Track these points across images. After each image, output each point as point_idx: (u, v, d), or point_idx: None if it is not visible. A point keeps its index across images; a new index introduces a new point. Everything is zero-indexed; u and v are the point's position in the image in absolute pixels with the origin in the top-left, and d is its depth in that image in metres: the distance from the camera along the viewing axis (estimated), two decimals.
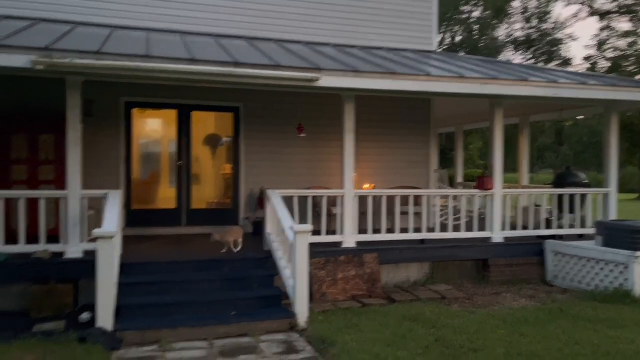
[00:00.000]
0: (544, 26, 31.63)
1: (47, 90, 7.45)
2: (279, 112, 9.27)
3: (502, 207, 8.39)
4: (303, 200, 7.76)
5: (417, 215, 8.54)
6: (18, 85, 7.67)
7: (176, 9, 8.99)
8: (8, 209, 6.64)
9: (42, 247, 6.36)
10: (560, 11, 60.01)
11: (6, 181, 7.60)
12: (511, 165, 25.82)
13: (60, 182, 7.46)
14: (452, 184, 13.78)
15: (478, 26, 29.83)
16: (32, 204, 6.73)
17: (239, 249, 7.06)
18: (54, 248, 6.40)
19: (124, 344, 5.18)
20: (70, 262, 6.33)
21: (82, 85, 6.42)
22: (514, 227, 8.70)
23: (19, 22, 7.76)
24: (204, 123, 9.49)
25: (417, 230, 8.09)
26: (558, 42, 31.45)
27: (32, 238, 6.40)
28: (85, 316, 5.77)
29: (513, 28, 32.35)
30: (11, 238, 6.38)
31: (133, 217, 8.68)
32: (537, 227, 8.73)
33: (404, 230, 7.93)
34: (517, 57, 31.73)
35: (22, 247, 6.34)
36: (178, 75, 6.39)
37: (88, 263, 5.92)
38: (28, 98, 7.97)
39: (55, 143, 7.77)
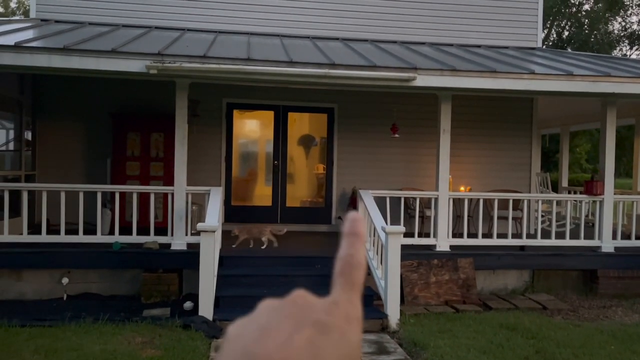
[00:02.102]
0: None
1: (158, 92, 8.05)
2: (373, 113, 9.26)
3: (614, 214, 7.76)
4: (395, 201, 7.69)
5: (517, 220, 8.14)
6: (132, 88, 8.34)
7: (275, 13, 9.30)
8: (122, 203, 7.25)
9: (151, 239, 6.87)
10: None
11: (122, 176, 8.31)
12: (624, 170, 23.78)
13: (168, 178, 8.01)
14: (555, 188, 12.97)
15: (588, 20, 27.78)
16: (143, 198, 7.30)
17: (264, 246, 7.10)
18: (162, 239, 6.89)
19: (222, 332, 5.45)
20: (176, 253, 6.78)
21: (189, 87, 6.85)
22: (627, 237, 8.01)
23: (134, 30, 8.44)
24: (299, 123, 9.72)
25: (516, 236, 7.72)
26: None
27: (143, 230, 6.93)
28: (188, 304, 6.15)
29: (629, 21, 29.75)
30: (125, 229, 6.96)
31: (232, 212, 9.10)
32: None
33: (502, 235, 7.60)
34: (633, 53, 29.14)
35: (134, 238, 6.88)
36: (276, 77, 6.61)
37: (191, 254, 6.31)
38: (141, 99, 8.64)
39: (165, 141, 8.36)
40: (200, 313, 5.60)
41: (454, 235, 7.53)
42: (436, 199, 7.38)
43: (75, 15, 8.85)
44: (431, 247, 7.34)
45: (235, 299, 6.03)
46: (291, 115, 9.40)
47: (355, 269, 0.39)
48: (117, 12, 8.96)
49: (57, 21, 8.78)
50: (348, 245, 0.40)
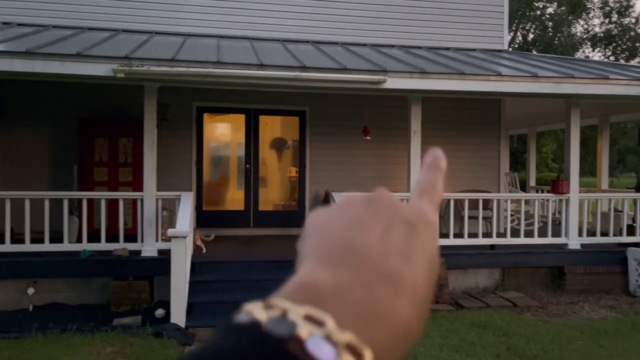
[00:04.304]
0: (626, 21, 29.79)
1: (126, 96, 7.91)
2: (345, 115, 9.30)
3: (579, 212, 7.97)
4: None
5: (487, 219, 8.28)
6: (100, 92, 8.18)
7: (245, 16, 9.25)
8: (90, 209, 7.09)
9: (120, 246, 6.73)
10: None
11: (89, 182, 8.12)
12: (589, 168, 24.49)
13: (137, 183, 7.86)
14: (523, 187, 13.25)
15: (552, 23, 28.53)
16: (112, 204, 7.16)
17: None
18: (131, 246, 6.76)
19: (195, 339, 5.38)
20: (146, 260, 6.66)
21: (158, 91, 6.75)
22: (592, 234, 8.23)
23: (101, 33, 8.28)
24: (271, 127, 9.69)
25: (487, 235, 7.85)
26: None
27: (112, 237, 6.79)
28: (159, 312, 6.05)
29: (591, 24, 30.71)
30: (93, 236, 6.80)
31: (203, 217, 8.99)
32: (617, 233, 8.21)
33: (473, 235, 7.71)
34: (595, 55, 30.06)
35: (103, 245, 6.73)
36: (247, 80, 6.58)
37: (162, 261, 6.21)
38: (109, 104, 8.47)
39: (133, 146, 8.22)
40: (173, 320, 5.51)
41: None
42: (408, 200, 7.43)
43: (38, 18, 8.63)
44: None
45: (208, 305, 5.96)
46: (262, 119, 9.36)
47: (437, 192, 0.40)
48: (82, 14, 8.77)
49: (19, 24, 8.53)
50: (430, 174, 0.41)
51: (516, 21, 27.78)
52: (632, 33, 29.36)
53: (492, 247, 7.72)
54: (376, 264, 0.32)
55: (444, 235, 7.71)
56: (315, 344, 0.27)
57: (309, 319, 0.28)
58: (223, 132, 9.79)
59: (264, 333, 0.28)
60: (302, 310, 0.29)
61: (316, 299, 0.30)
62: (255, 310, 0.29)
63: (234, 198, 9.42)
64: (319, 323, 0.28)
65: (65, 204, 6.70)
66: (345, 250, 0.33)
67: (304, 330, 0.28)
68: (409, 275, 0.32)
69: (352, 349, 0.28)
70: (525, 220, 7.94)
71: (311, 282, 0.31)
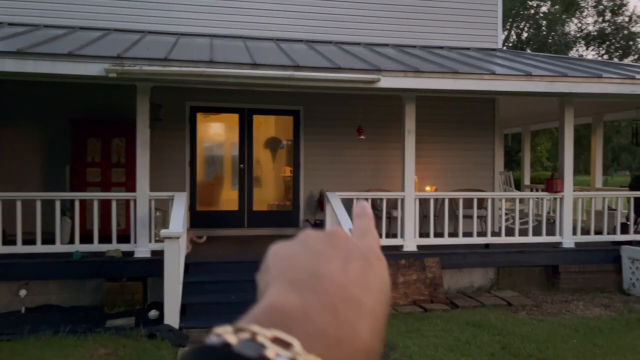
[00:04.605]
0: (619, 19, 29.91)
1: (119, 96, 7.86)
2: (339, 115, 9.27)
3: (573, 210, 7.98)
4: None
5: (481, 218, 8.28)
6: (92, 92, 8.12)
7: (238, 15, 9.22)
8: (83, 210, 7.03)
9: (113, 247, 6.68)
10: (637, 3, 56.52)
11: (82, 183, 8.06)
12: (583, 167, 24.58)
13: (130, 184, 7.81)
14: (518, 186, 13.27)
15: (546, 21, 28.60)
16: (105, 205, 7.11)
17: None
18: (124, 247, 6.71)
19: (189, 341, 5.35)
20: (139, 261, 6.62)
21: (150, 90, 6.70)
22: (586, 232, 8.25)
23: (93, 32, 8.22)
24: (265, 126, 9.66)
25: (481, 234, 7.85)
26: (634, 36, 29.62)
27: (105, 238, 6.74)
28: (153, 313, 6.01)
29: (584, 22, 30.81)
30: (86, 237, 6.75)
31: (197, 218, 8.96)
32: (611, 232, 8.23)
33: (468, 234, 7.71)
34: (589, 53, 30.15)
35: (95, 246, 6.69)
36: (240, 79, 6.55)
37: (155, 262, 6.17)
38: (101, 104, 8.42)
39: (126, 146, 8.17)
40: (166, 321, 5.48)
41: (421, 235, 7.60)
42: (402, 200, 7.44)
43: (29, 18, 8.56)
44: (398, 248, 7.39)
45: (202, 306, 5.92)
46: (256, 118, 9.32)
47: (375, 234, 0.44)
48: (73, 14, 8.71)
49: (10, 24, 8.46)
50: (363, 221, 0.45)
51: (510, 20, 27.83)
52: (626, 32, 29.49)
53: (487, 246, 7.72)
54: (340, 290, 0.35)
55: (439, 234, 7.71)
56: None
57: (277, 341, 0.31)
58: (217, 132, 9.75)
59: (234, 354, 0.30)
60: (270, 333, 0.31)
61: (284, 322, 0.33)
62: (226, 333, 0.31)
63: (228, 198, 9.38)
64: (286, 345, 0.31)
65: (58, 205, 6.65)
66: (311, 277, 0.36)
67: (271, 351, 0.30)
68: (368, 302, 0.36)
69: None
70: (520, 219, 7.95)
71: (279, 305, 0.34)
